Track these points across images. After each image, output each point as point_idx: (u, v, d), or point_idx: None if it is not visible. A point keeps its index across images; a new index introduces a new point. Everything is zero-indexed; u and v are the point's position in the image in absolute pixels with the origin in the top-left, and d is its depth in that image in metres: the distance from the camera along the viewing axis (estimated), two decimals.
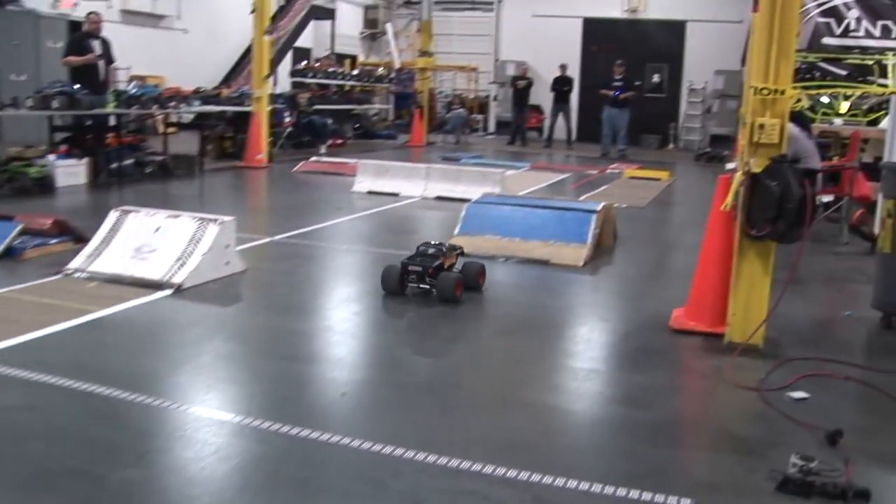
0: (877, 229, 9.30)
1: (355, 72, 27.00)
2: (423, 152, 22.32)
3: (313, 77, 24.37)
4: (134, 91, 15.38)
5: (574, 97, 26.60)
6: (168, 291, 7.40)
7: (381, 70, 29.05)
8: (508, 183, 14.05)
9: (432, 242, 8.05)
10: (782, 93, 6.14)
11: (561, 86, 25.50)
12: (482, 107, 31.00)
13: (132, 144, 15.35)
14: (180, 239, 7.95)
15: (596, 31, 29.49)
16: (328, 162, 17.89)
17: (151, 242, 8.02)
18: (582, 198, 13.68)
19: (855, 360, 6.26)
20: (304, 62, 25.45)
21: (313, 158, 18.38)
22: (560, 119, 25.43)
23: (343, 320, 6.86)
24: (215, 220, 8.04)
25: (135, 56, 19.69)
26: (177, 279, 7.56)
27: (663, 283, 8.64)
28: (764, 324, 6.36)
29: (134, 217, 8.34)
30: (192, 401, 5.09)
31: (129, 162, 14.84)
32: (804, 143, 9.70)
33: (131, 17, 21.55)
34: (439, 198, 13.53)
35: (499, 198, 10.63)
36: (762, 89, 6.15)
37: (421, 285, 7.58)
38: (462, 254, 8.22)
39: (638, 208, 13.53)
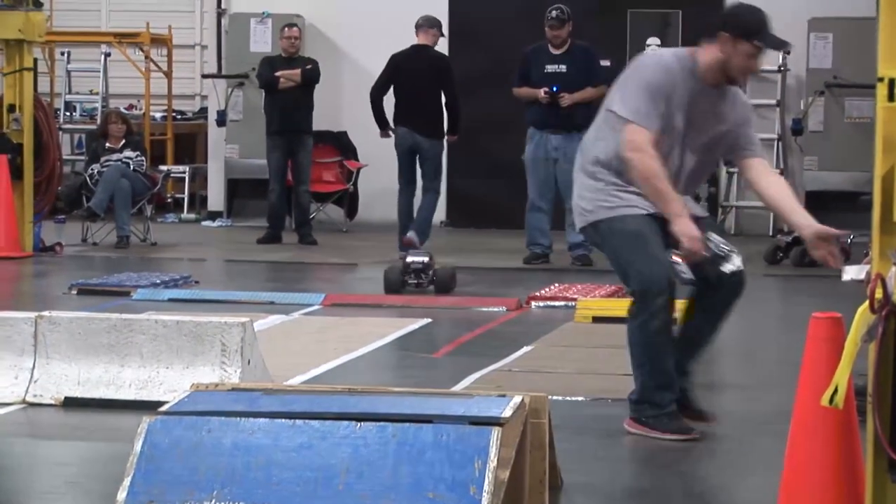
0: None
1: None
2: (25, 276, 10.52)
3: None
4: None
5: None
6: None
7: None
8: (266, 352, 6.12)
9: None
10: None
11: (412, 80, 10.85)
12: (185, 143, 14.88)
13: None
14: None
15: None
16: None
17: None
18: (464, 384, 6.24)
19: None
20: None
21: None
22: (416, 171, 11.22)
23: None
24: None
25: None
26: None
27: None
28: None
29: None
30: None
31: None
32: None
33: None
34: (70, 403, 5.67)
35: (238, 396, 4.79)
36: None
37: None
38: None
39: (613, 403, 5.82)
